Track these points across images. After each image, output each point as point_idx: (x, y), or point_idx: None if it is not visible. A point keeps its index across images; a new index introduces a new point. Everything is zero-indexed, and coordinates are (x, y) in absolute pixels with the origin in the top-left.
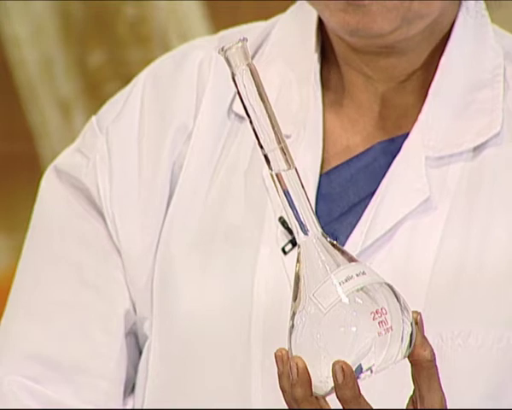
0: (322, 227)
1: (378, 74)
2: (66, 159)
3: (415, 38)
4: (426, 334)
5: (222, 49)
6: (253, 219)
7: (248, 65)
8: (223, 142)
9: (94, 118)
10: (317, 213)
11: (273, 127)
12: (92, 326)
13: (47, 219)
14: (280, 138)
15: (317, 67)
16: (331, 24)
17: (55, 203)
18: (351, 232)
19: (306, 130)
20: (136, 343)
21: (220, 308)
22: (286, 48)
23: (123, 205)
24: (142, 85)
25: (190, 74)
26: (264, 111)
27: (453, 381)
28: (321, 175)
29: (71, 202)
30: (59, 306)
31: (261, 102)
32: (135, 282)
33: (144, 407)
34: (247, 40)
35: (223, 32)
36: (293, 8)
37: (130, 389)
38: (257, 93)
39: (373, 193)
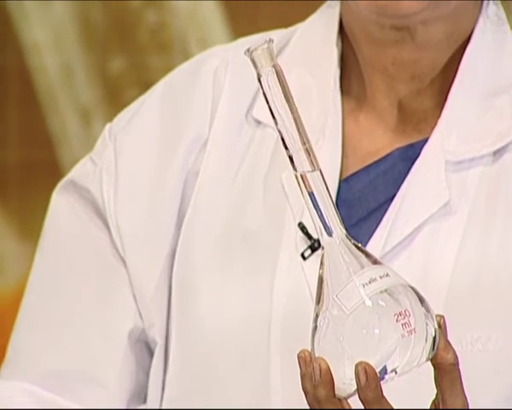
0: (346, 229)
1: (400, 72)
2: (77, 168)
3: (436, 33)
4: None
5: (248, 50)
6: (273, 224)
7: (274, 66)
8: (241, 147)
9: (108, 125)
10: None
11: (298, 128)
12: (94, 338)
13: (53, 232)
14: (305, 139)
15: (336, 73)
16: (359, 3)
17: (62, 216)
18: (370, 238)
19: (326, 136)
20: (147, 350)
21: (239, 315)
22: (306, 54)
23: (127, 214)
24: (158, 94)
25: (205, 82)
26: (290, 112)
27: (473, 385)
28: (340, 181)
29: (77, 213)
30: (61, 319)
31: (286, 103)
32: (142, 291)
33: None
34: (272, 41)
35: (240, 40)
36: (314, 16)
37: (142, 395)
38: (282, 94)
39: (392, 198)
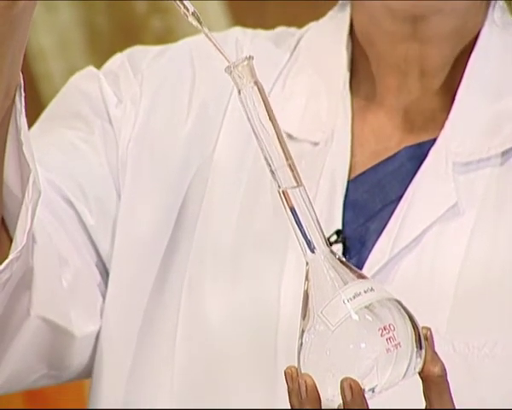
0: (329, 243)
1: (412, 68)
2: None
3: (446, 27)
4: (453, 342)
5: (228, 67)
6: (281, 226)
7: (255, 83)
8: (251, 150)
9: (124, 58)
10: (343, 220)
11: (281, 144)
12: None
13: (59, 98)
14: (287, 155)
15: (346, 75)
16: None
17: (81, 92)
18: (377, 239)
19: (335, 137)
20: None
21: (246, 317)
22: (316, 57)
23: (137, 147)
24: (187, 48)
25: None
26: (272, 128)
27: (479, 391)
28: (348, 181)
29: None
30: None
31: (268, 120)
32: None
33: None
34: (253, 58)
35: (256, 31)
36: (324, 20)
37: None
38: (264, 111)
39: (399, 199)
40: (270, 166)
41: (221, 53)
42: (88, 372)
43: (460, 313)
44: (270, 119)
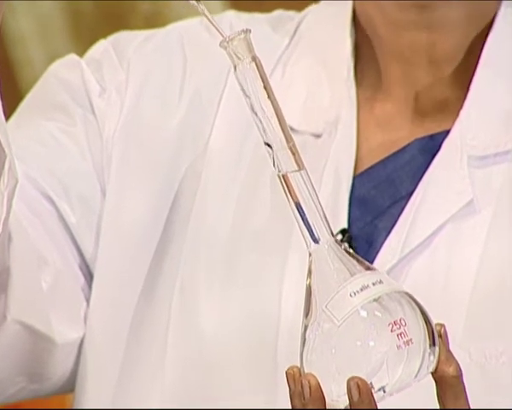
0: (332, 234)
1: (417, 56)
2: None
3: (457, 14)
4: (469, 351)
5: (222, 40)
6: (281, 224)
7: (253, 58)
8: (249, 146)
9: (109, 45)
10: (349, 218)
11: (281, 125)
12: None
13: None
14: (288, 137)
15: (350, 63)
16: None
17: (62, 82)
18: (386, 238)
19: (339, 129)
20: None
21: (244, 322)
22: (317, 41)
23: (123, 140)
24: (177, 35)
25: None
26: (271, 107)
27: (496, 401)
28: (354, 176)
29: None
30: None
31: (267, 98)
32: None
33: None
34: (250, 31)
35: (252, 14)
36: (324, 4)
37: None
38: (263, 88)
39: (410, 195)
40: (269, 147)
41: (219, 31)
42: (71, 385)
43: (477, 319)
44: (268, 97)
